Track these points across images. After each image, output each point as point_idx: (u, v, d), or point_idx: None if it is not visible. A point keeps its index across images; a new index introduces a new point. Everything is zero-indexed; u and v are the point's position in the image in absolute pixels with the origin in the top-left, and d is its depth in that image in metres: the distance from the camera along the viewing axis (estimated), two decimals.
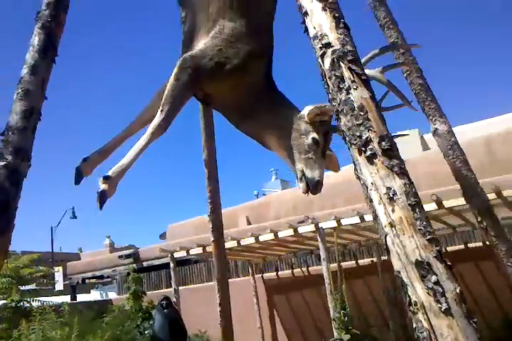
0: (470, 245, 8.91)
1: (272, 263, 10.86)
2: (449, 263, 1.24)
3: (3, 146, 2.30)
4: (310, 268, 10.09)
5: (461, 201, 6.73)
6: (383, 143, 1.42)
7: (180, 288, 8.96)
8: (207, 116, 3.45)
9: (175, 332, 7.31)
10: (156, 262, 12.29)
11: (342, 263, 8.39)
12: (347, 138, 1.50)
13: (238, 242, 8.48)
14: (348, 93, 1.52)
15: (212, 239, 3.50)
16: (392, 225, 1.31)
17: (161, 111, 2.45)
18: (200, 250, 8.91)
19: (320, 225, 7.70)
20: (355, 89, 1.52)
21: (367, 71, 2.59)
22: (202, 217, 14.57)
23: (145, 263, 12.49)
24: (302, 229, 7.94)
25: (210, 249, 8.82)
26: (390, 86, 2.65)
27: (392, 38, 3.00)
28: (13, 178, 2.25)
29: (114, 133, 2.72)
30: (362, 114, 1.47)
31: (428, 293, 1.19)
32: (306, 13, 1.78)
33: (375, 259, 9.26)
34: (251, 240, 8.35)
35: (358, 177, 1.47)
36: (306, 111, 2.47)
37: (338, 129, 2.65)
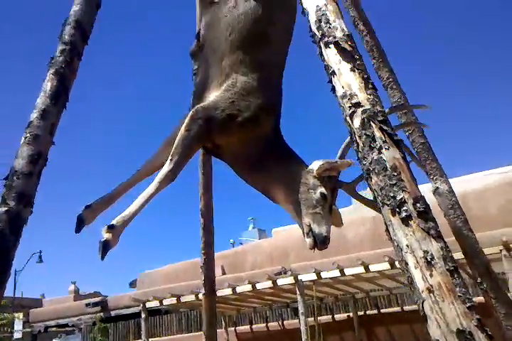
0: None
1: (246, 316, 10.56)
2: (489, 333, 1.21)
3: (5, 191, 2.23)
4: (286, 322, 9.84)
5: None
6: (418, 204, 1.43)
7: (150, 340, 8.60)
8: (206, 164, 3.43)
9: None
10: (125, 311, 11.80)
11: (318, 318, 8.24)
12: (379, 198, 1.50)
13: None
14: (379, 152, 1.54)
15: (204, 292, 3.39)
16: (430, 291, 1.29)
17: (171, 160, 2.43)
18: (174, 300, 8.63)
19: (299, 277, 7.59)
20: (387, 149, 1.55)
21: None
22: (173, 265, 14.25)
23: (113, 313, 11.96)
24: (281, 281, 7.81)
25: (184, 299, 8.59)
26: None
27: (395, 98, 3.10)
28: (15, 225, 2.17)
29: (109, 180, 2.68)
30: (395, 174, 1.48)
31: None
32: (333, 73, 1.82)
33: (351, 314, 9.11)
34: (228, 291, 8.15)
35: (391, 238, 1.46)
36: (315, 166, 2.49)
37: (343, 185, 2.71)
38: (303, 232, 2.48)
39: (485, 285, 2.84)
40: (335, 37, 1.89)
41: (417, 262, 1.34)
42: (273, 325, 9.88)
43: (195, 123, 2.50)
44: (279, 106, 2.77)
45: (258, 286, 7.90)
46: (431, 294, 1.28)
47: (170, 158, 2.44)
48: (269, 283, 7.79)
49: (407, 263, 1.37)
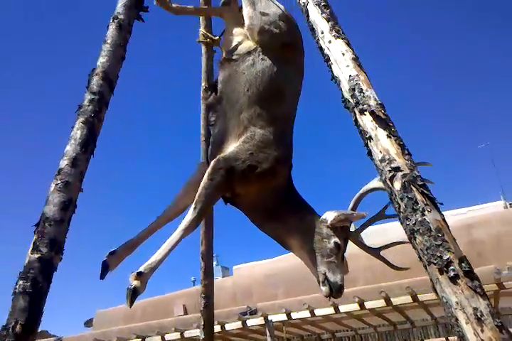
0: None
1: None
2: None
3: (37, 237, 2.26)
4: None
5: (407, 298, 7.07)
6: (463, 264, 1.60)
7: None
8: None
9: None
10: None
11: None
12: (425, 257, 1.67)
13: (182, 334, 8.12)
14: (423, 214, 1.73)
15: (203, 337, 3.41)
16: None
17: (194, 208, 2.54)
18: None
19: (269, 318, 7.60)
20: (429, 211, 1.73)
21: (378, 184, 2.88)
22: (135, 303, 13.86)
23: None
24: (250, 322, 7.79)
25: (150, 340, 8.39)
26: None
27: None
28: (47, 272, 2.20)
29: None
30: (440, 235, 1.67)
31: None
32: (370, 138, 2.02)
33: None
34: (195, 332, 8.02)
35: (437, 294, 1.62)
36: (330, 216, 2.66)
37: (353, 234, 2.88)
38: (317, 280, 2.62)
39: None
40: (369, 105, 2.10)
41: (468, 318, 1.50)
42: None
43: (217, 173, 2.64)
44: (291, 157, 2.96)
45: (227, 327, 7.85)
46: None
47: (193, 206, 2.55)
48: (239, 324, 7.75)
49: (457, 319, 1.53)
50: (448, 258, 1.62)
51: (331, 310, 7.34)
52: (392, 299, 7.05)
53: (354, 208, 2.83)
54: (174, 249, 2.44)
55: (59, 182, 2.40)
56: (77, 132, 2.57)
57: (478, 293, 1.54)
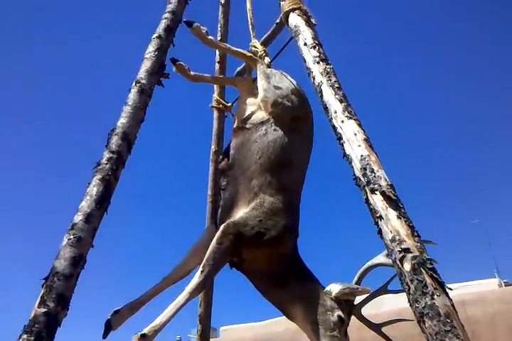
0: None
1: None
2: None
3: (45, 292, 2.26)
4: None
5: None
6: None
7: None
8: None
9: None
10: None
11: None
12: None
13: None
14: (432, 298, 1.76)
15: None
16: None
17: (202, 271, 2.56)
18: None
19: None
20: (438, 296, 1.77)
21: (384, 260, 2.91)
22: None
23: None
24: None
25: None
26: None
27: None
28: (51, 327, 2.19)
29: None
30: (449, 321, 1.69)
31: None
32: (380, 217, 2.09)
33: None
34: None
35: None
36: (336, 289, 2.67)
37: (355, 309, 2.87)
38: None
39: None
40: (380, 185, 2.19)
41: None
42: None
43: (226, 238, 2.68)
44: (298, 227, 3.01)
45: None
46: None
47: (201, 269, 2.57)
48: None
49: None
50: None
51: None
52: None
53: (358, 282, 2.84)
54: (179, 311, 2.44)
55: (71, 237, 2.44)
56: (94, 189, 2.64)
57: None
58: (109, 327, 2.48)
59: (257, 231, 2.73)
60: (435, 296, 1.76)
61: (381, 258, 2.82)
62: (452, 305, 1.76)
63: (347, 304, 2.71)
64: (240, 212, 2.84)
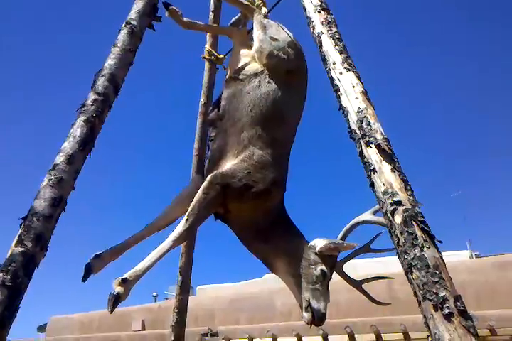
0: None
1: None
2: None
3: (23, 231, 2.19)
4: None
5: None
6: (458, 303, 1.60)
7: None
8: None
9: None
10: None
11: None
12: (420, 292, 1.67)
13: None
14: (421, 250, 1.73)
15: None
16: None
17: (186, 220, 2.52)
18: None
19: None
20: (428, 248, 1.74)
21: (370, 217, 2.90)
22: (89, 313, 13.47)
23: None
24: None
25: None
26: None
27: None
28: (29, 267, 2.13)
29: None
30: (437, 272, 1.67)
31: None
32: (374, 170, 2.04)
33: None
34: None
35: (429, 329, 1.62)
36: (320, 244, 2.66)
37: (337, 265, 2.87)
38: (300, 306, 2.59)
39: None
40: (376, 138, 2.13)
41: None
42: None
43: (213, 188, 2.62)
44: (286, 182, 2.96)
45: None
46: None
47: (186, 218, 2.53)
48: None
49: None
50: (444, 296, 1.62)
51: (294, 340, 7.24)
52: (356, 335, 7.00)
53: (343, 238, 2.83)
54: (161, 258, 2.41)
55: (52, 177, 2.35)
56: (77, 130, 2.54)
57: (471, 332, 1.54)
58: (89, 270, 2.44)
59: (244, 184, 2.67)
60: (425, 248, 1.74)
61: (367, 215, 2.80)
62: (441, 257, 1.74)
63: (330, 259, 2.70)
64: (228, 164, 2.78)
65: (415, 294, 1.71)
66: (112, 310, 2.21)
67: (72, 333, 11.49)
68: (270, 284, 13.71)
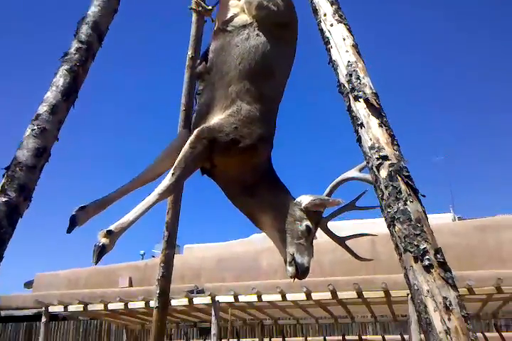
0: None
1: (149, 331, 10.33)
2: None
3: (6, 181, 2.16)
4: None
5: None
6: (438, 255, 1.63)
7: None
8: None
9: None
10: (17, 313, 11.10)
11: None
12: (402, 244, 1.69)
13: (126, 305, 8.06)
14: (405, 204, 1.75)
15: (157, 305, 3.38)
16: (447, 333, 1.48)
17: (173, 174, 2.50)
18: (80, 307, 8.29)
19: (217, 298, 7.63)
20: (412, 202, 1.75)
21: (356, 174, 2.90)
22: (76, 269, 13.66)
23: (3, 313, 11.17)
24: (197, 301, 7.79)
25: (91, 307, 8.28)
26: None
27: None
28: (12, 217, 2.11)
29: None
30: (419, 225, 1.69)
31: None
32: (361, 125, 2.02)
33: (257, 340, 9.27)
34: (140, 304, 7.97)
35: (408, 280, 1.65)
36: (306, 200, 2.67)
37: (322, 222, 2.89)
38: (284, 260, 2.63)
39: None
40: (365, 92, 2.10)
41: (437, 306, 1.53)
42: None
43: (200, 142, 2.60)
44: (273, 138, 2.94)
45: (173, 303, 7.80)
46: (448, 335, 1.47)
47: (172, 171, 2.51)
48: (185, 301, 7.74)
49: (426, 306, 1.56)
50: (424, 248, 1.65)
51: (277, 297, 7.41)
52: (338, 293, 7.19)
53: (329, 195, 2.84)
54: (147, 212, 2.40)
55: (35, 127, 2.30)
56: (60, 79, 2.47)
57: (449, 283, 1.58)
58: (73, 222, 2.43)
59: (231, 139, 2.65)
60: (408, 202, 1.75)
61: (354, 172, 2.80)
62: (424, 211, 1.76)
63: (315, 215, 2.72)
64: (216, 118, 2.74)
65: (397, 246, 1.73)
66: (96, 261, 2.22)
67: (59, 289, 11.68)
68: (256, 244, 13.97)
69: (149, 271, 12.32)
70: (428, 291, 1.57)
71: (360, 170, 2.82)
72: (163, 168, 2.73)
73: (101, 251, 2.22)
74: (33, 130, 2.30)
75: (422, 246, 1.65)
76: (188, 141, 2.60)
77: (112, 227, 2.28)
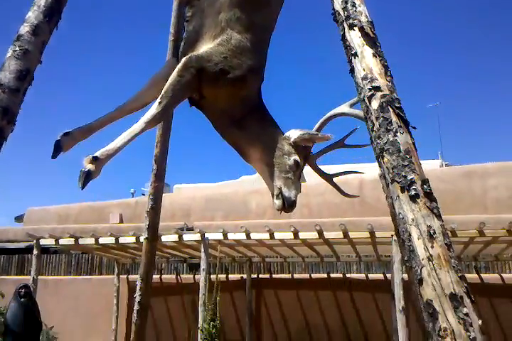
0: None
1: (139, 265, 10.61)
2: (473, 299, 1.46)
3: None
4: (182, 276, 10.09)
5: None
6: (425, 186, 1.63)
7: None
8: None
9: (29, 324, 6.81)
10: (8, 246, 11.31)
11: (213, 276, 8.55)
12: (389, 175, 1.69)
13: (117, 239, 8.21)
14: (395, 135, 1.72)
15: (146, 236, 3.43)
16: (430, 259, 1.50)
17: (159, 103, 2.44)
18: (71, 241, 8.44)
19: (206, 235, 7.78)
20: (402, 133, 1.73)
21: (347, 110, 2.85)
22: (67, 205, 13.80)
23: None
24: (187, 237, 7.95)
25: (82, 241, 8.44)
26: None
27: None
28: None
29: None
30: (408, 157, 1.67)
31: (459, 322, 1.39)
32: (355, 54, 1.95)
33: (245, 276, 9.56)
34: (131, 239, 8.12)
35: (394, 210, 1.66)
36: (295, 134, 2.63)
37: (311, 159, 2.88)
38: (272, 194, 2.63)
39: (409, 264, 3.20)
40: (360, 21, 2.02)
41: (421, 234, 1.55)
42: (167, 277, 10.08)
43: (187, 71, 2.51)
44: (264, 70, 2.85)
45: (163, 239, 7.95)
46: (430, 262, 1.50)
47: (159, 100, 2.44)
48: (175, 237, 7.88)
49: (410, 234, 1.58)
50: (412, 179, 1.64)
51: (266, 236, 7.56)
52: (324, 233, 7.34)
53: (318, 131, 2.80)
54: (133, 140, 2.35)
55: (17, 49, 2.22)
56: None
57: (434, 213, 1.59)
58: (58, 147, 2.38)
59: (220, 69, 2.56)
60: (398, 134, 1.73)
61: (344, 107, 2.76)
62: (413, 143, 1.74)
63: (304, 150, 2.69)
64: (205, 47, 2.63)
65: (384, 177, 1.73)
66: (83, 187, 2.20)
67: (49, 224, 11.83)
68: (246, 185, 14.11)
69: (140, 209, 12.46)
70: (413, 220, 1.58)
71: (351, 106, 2.77)
72: (150, 97, 2.66)
73: (87, 177, 2.19)
74: (14, 51, 2.22)
75: (409, 177, 1.64)
76: (176, 69, 2.51)
77: (97, 153, 2.25)
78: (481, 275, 8.87)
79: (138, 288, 3.60)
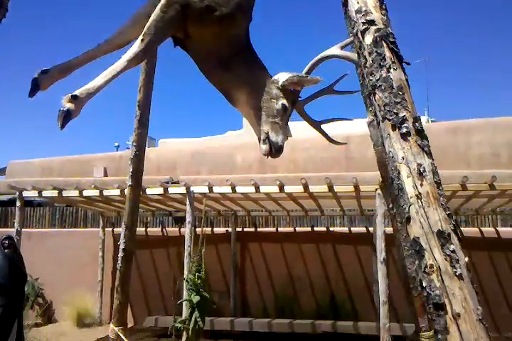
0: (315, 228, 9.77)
1: None
2: (460, 236, 1.45)
3: None
4: (168, 229, 10.15)
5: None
6: (417, 124, 1.58)
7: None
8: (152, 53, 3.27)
9: (14, 276, 6.83)
10: None
11: (198, 229, 8.60)
12: (381, 113, 1.63)
13: (101, 192, 8.15)
14: (388, 71, 1.65)
15: (130, 183, 3.37)
16: (418, 197, 1.48)
17: (142, 40, 2.31)
18: (54, 193, 8.36)
19: (191, 189, 7.76)
20: (395, 69, 1.66)
21: (337, 52, 2.75)
22: (50, 158, 13.62)
23: None
24: (172, 190, 7.92)
25: (66, 194, 8.37)
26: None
27: None
28: None
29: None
30: (400, 93, 1.61)
31: (445, 259, 1.38)
32: None
33: (230, 229, 9.65)
34: (115, 192, 8.06)
35: (384, 149, 1.61)
36: (283, 77, 2.54)
37: (299, 105, 2.80)
38: (258, 139, 2.56)
39: (394, 211, 3.21)
40: None
41: (410, 172, 1.51)
42: (153, 230, 10.14)
43: (171, 7, 2.38)
44: (252, 11, 2.72)
45: (148, 191, 7.92)
46: (419, 200, 1.47)
47: (141, 38, 2.32)
48: (160, 190, 7.85)
49: (399, 172, 1.54)
50: (403, 116, 1.59)
51: (251, 189, 7.55)
52: (309, 186, 7.36)
53: (309, 72, 2.71)
54: (115, 78, 2.24)
55: None
56: None
57: (425, 151, 1.55)
58: (35, 85, 2.27)
59: (206, 5, 2.42)
60: (391, 70, 1.66)
61: (335, 49, 2.64)
62: (407, 80, 1.67)
63: (292, 95, 2.61)
64: None
65: (375, 115, 1.67)
66: (62, 127, 2.11)
67: (32, 177, 11.70)
68: (232, 140, 14.02)
69: (124, 163, 12.32)
70: (403, 158, 1.55)
71: (343, 48, 2.67)
72: (132, 34, 2.52)
73: (66, 117, 2.09)
74: None
75: (401, 114, 1.59)
76: (159, 6, 2.37)
77: (77, 92, 2.14)
78: (461, 228, 9.06)
79: (122, 235, 3.58)
